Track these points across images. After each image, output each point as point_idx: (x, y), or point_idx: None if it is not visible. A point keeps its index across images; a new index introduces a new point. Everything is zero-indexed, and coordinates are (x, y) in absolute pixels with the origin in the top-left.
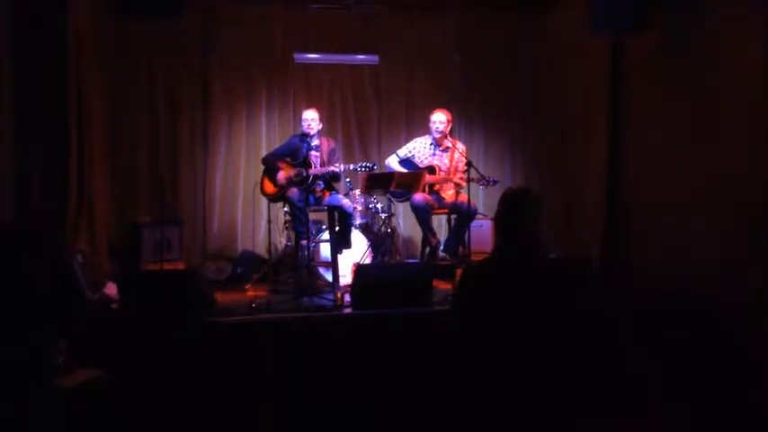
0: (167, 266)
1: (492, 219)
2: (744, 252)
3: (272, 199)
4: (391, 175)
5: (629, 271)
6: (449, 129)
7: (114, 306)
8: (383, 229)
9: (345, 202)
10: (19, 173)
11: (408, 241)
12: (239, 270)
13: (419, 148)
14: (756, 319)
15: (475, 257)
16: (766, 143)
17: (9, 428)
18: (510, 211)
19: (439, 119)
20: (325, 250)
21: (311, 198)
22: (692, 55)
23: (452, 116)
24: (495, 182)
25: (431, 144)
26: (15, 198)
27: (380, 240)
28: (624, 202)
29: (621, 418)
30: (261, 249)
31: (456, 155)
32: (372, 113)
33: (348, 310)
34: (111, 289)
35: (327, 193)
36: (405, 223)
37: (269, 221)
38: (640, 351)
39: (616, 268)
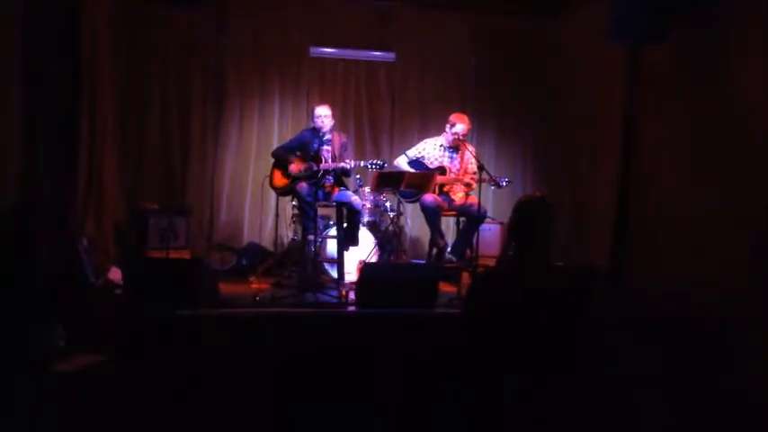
0: (173, 254)
1: (501, 223)
2: (755, 268)
3: (281, 192)
4: (402, 174)
5: (636, 282)
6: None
7: (118, 291)
8: (391, 227)
9: (354, 198)
10: (27, 151)
11: (415, 241)
12: (244, 262)
13: (429, 150)
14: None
15: (482, 261)
16: None
17: (8, 411)
18: (524, 219)
19: (462, 129)
20: (331, 246)
21: (320, 193)
22: (709, 68)
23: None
24: (507, 182)
25: (440, 145)
26: (23, 178)
27: (387, 239)
28: (635, 212)
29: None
30: (267, 242)
31: (466, 155)
32: (386, 111)
33: (352, 308)
34: (116, 274)
35: (337, 189)
36: (412, 223)
37: (276, 215)
38: (644, 362)
39: (624, 279)
